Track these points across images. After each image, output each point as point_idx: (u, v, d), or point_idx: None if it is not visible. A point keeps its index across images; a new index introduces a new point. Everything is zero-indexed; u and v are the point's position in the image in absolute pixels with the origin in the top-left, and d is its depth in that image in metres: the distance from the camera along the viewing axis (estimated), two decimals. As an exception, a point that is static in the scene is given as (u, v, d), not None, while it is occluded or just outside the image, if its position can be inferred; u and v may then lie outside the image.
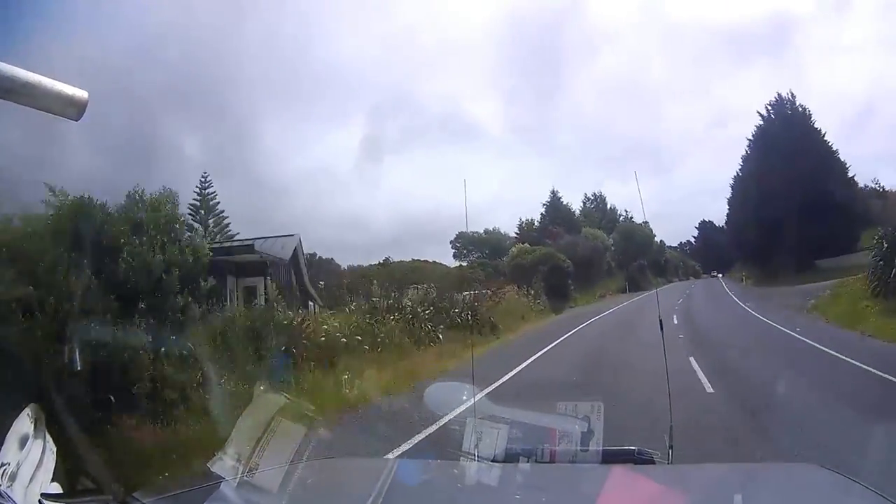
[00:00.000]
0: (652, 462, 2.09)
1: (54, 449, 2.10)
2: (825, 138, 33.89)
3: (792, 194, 29.56)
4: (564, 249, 33.49)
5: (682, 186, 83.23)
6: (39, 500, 1.67)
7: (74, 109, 1.44)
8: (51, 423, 2.10)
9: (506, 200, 57.53)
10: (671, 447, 2.20)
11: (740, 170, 38.05)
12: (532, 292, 27.40)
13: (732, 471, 2.46)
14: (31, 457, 1.97)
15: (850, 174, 33.76)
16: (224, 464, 1.78)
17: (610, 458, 2.05)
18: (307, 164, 43.52)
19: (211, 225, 24.95)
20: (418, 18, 53.44)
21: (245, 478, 1.76)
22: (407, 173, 50.64)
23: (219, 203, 25.51)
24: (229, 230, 24.48)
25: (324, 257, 30.99)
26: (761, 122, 36.39)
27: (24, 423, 2.00)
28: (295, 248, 18.07)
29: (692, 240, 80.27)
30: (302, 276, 18.66)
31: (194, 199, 24.47)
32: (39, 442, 2.06)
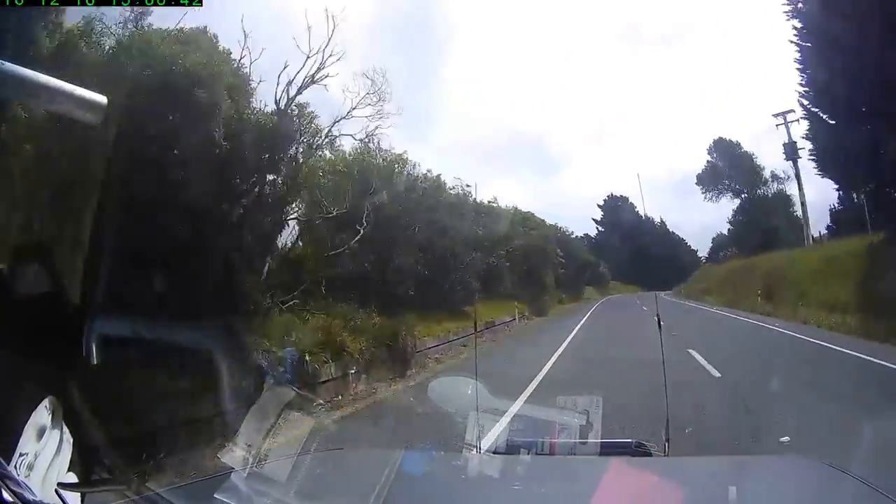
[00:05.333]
0: (649, 454, 2.14)
1: (71, 440, 2.16)
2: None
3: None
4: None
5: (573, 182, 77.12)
6: (56, 490, 1.72)
7: (94, 113, 1.50)
8: (68, 415, 2.16)
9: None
10: (668, 440, 2.24)
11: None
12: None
13: (728, 463, 2.51)
14: (49, 448, 2.03)
15: None
16: (234, 454, 1.84)
17: (608, 450, 2.11)
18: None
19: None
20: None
21: (255, 468, 1.82)
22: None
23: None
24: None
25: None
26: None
27: (42, 414, 2.06)
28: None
29: (594, 230, 57.97)
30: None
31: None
32: (56, 433, 2.12)
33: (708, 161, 47.42)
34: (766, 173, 42.61)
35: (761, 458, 3.17)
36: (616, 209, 57.49)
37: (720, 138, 47.46)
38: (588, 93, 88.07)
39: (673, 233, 58.78)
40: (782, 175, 40.60)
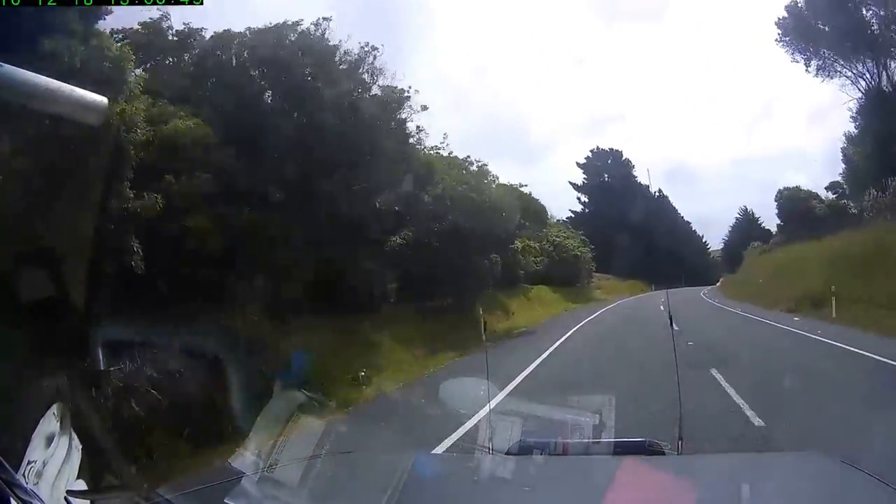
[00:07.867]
0: (662, 453, 2.12)
1: (80, 447, 2.14)
2: None
3: None
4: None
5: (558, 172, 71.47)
6: (65, 497, 1.71)
7: (94, 114, 1.49)
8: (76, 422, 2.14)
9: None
10: (681, 438, 2.22)
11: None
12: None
13: (741, 461, 2.48)
14: (57, 455, 2.02)
15: None
16: (245, 459, 1.82)
17: (621, 449, 2.09)
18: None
19: None
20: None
21: (265, 472, 1.80)
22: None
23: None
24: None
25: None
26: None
27: (50, 421, 2.05)
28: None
29: (578, 206, 39.29)
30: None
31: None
32: (65, 440, 2.11)
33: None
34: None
35: (775, 455, 3.13)
36: (605, 170, 38.26)
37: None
38: (575, 76, 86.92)
39: (675, 208, 44.29)
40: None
